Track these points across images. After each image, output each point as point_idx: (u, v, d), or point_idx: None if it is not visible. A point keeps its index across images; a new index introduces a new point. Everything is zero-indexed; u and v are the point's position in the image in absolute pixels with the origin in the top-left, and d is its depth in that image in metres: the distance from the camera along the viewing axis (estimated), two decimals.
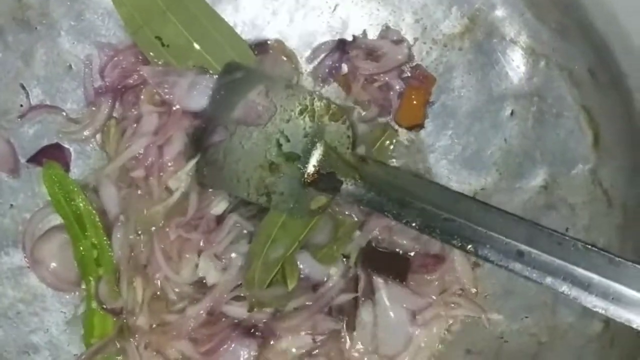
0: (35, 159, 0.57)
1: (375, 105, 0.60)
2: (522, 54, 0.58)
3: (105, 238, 0.56)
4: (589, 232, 0.56)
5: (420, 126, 0.61)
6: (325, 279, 0.57)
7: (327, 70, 0.61)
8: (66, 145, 0.58)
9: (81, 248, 0.55)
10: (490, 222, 0.50)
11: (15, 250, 0.56)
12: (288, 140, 0.55)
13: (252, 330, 0.55)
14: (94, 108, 0.58)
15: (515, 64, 0.59)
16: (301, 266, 0.57)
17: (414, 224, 0.51)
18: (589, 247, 0.49)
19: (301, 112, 0.55)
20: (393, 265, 0.57)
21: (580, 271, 0.48)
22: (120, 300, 0.55)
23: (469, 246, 0.50)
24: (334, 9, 0.61)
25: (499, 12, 0.59)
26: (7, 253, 0.56)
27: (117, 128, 0.58)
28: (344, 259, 0.58)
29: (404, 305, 0.56)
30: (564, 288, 0.48)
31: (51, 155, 0.57)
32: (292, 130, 0.55)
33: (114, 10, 0.58)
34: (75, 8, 0.57)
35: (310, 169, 0.55)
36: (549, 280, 0.48)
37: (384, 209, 0.53)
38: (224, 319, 0.55)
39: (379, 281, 0.56)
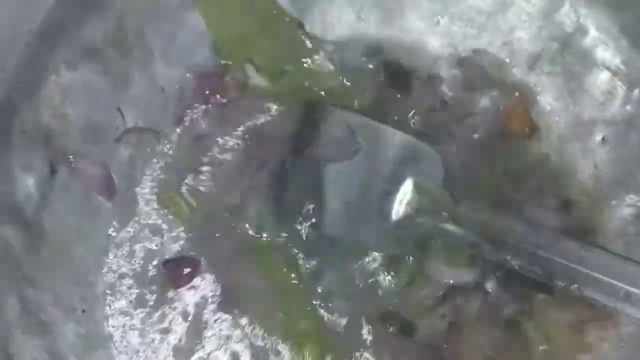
0: None
1: None
2: (615, 81, 0.57)
3: None
4: None
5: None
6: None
7: None
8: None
9: None
10: (593, 263, 0.49)
11: None
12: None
13: None
14: (183, 127, 0.59)
15: (608, 91, 0.58)
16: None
17: (512, 264, 0.51)
18: None
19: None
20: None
21: None
22: None
23: (573, 286, 0.49)
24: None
25: (592, 38, 0.58)
26: None
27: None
28: None
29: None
30: None
31: None
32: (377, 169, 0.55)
33: (205, 33, 0.58)
34: (169, 31, 0.57)
35: (397, 208, 0.55)
36: None
37: (479, 249, 0.52)
38: None
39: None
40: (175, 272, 0.56)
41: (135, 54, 0.57)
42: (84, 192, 0.56)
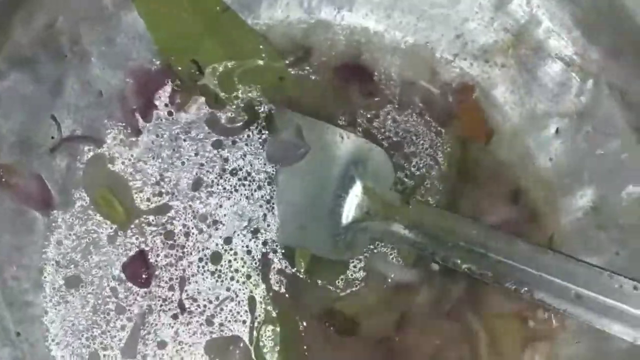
0: None
1: None
2: (569, 72, 0.56)
3: None
4: None
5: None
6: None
7: None
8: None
9: None
10: (545, 265, 0.48)
11: None
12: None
13: None
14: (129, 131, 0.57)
15: (561, 82, 0.57)
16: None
17: (464, 267, 0.50)
18: None
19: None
20: None
21: None
22: None
23: (524, 289, 0.48)
24: None
25: (545, 29, 0.56)
26: None
27: None
28: None
29: None
30: (628, 332, 0.47)
31: None
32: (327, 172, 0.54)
33: (145, 34, 0.56)
34: (106, 33, 0.55)
35: (347, 212, 0.53)
36: (607, 322, 0.47)
37: (430, 252, 0.51)
38: None
39: None
40: (133, 272, 0.55)
41: (70, 58, 0.54)
42: (17, 207, 0.53)
